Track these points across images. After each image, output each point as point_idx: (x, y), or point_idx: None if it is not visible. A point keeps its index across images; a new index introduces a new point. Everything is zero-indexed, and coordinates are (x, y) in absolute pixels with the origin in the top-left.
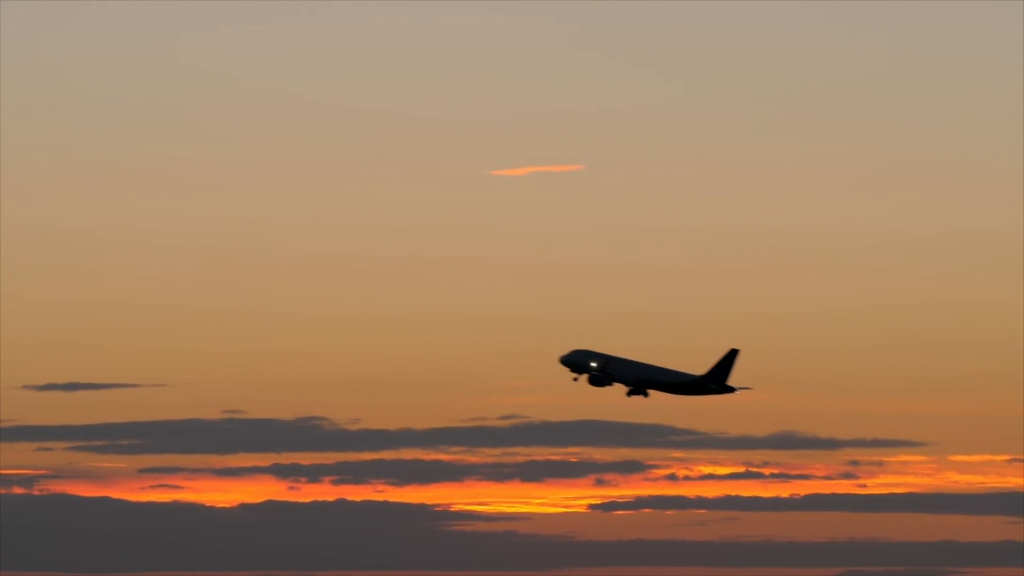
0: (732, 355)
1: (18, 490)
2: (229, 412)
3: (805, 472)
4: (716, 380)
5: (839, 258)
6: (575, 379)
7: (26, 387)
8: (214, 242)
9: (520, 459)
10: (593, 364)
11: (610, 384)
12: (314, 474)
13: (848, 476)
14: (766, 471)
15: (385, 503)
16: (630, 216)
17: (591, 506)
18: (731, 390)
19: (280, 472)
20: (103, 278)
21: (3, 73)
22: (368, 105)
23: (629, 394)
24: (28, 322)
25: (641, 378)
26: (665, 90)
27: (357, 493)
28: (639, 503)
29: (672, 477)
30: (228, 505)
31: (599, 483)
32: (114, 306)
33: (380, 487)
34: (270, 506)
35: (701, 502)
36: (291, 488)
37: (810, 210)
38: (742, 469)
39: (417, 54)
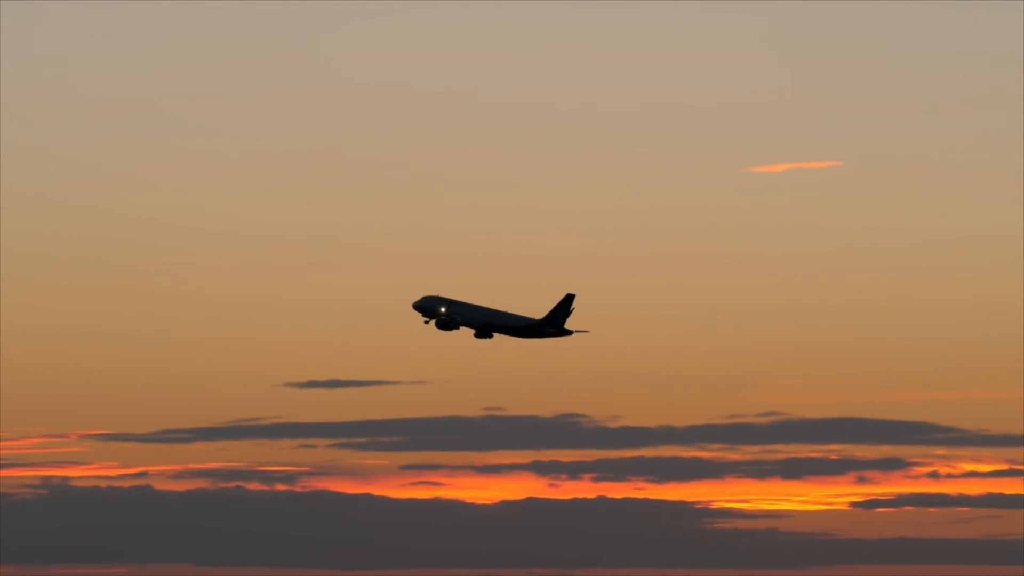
0: (568, 299)
1: (280, 487)
2: (490, 409)
3: None
4: (554, 324)
5: None
6: (425, 322)
7: (288, 385)
8: (473, 244)
9: (780, 456)
10: (442, 309)
11: (456, 328)
12: (574, 471)
13: None
14: None
15: (645, 500)
16: (888, 213)
17: (852, 503)
18: (568, 333)
19: (540, 469)
20: (364, 278)
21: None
22: (627, 105)
23: (476, 336)
24: (290, 321)
25: (485, 321)
26: (925, 89)
27: (617, 490)
28: (900, 501)
29: (934, 475)
30: (488, 502)
31: (860, 480)
32: (376, 305)
33: (640, 484)
34: (530, 503)
35: (963, 500)
36: (551, 485)
37: None
38: (1005, 467)
39: (669, 52)
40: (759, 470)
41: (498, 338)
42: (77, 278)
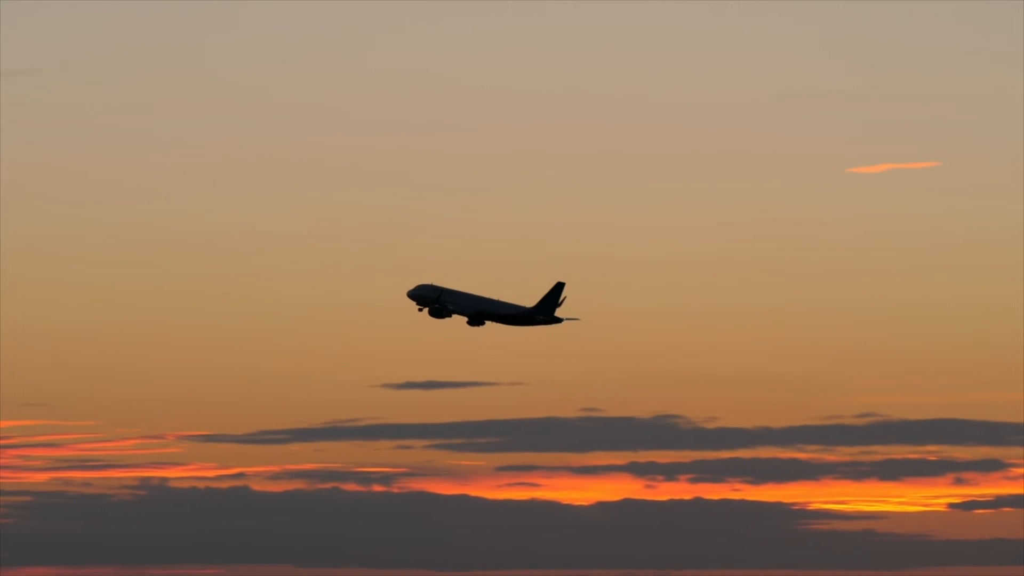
0: (559, 288)
1: (377, 488)
2: (586, 410)
3: None
4: (544, 312)
5: None
6: (420, 310)
7: (385, 385)
8: (569, 244)
9: (878, 458)
10: (436, 298)
11: (449, 316)
12: (671, 472)
13: None
14: None
15: (741, 502)
16: (987, 212)
17: (950, 505)
18: (558, 321)
19: (637, 470)
20: (464, 280)
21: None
22: (729, 102)
23: (469, 323)
24: (388, 322)
25: (477, 310)
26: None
27: (713, 491)
28: (999, 502)
29: None
30: (585, 503)
31: (958, 482)
32: None
33: (737, 485)
34: (627, 504)
35: None
36: (648, 486)
37: None
38: None
39: (771, 50)
40: (856, 471)
41: (491, 327)
42: (175, 282)
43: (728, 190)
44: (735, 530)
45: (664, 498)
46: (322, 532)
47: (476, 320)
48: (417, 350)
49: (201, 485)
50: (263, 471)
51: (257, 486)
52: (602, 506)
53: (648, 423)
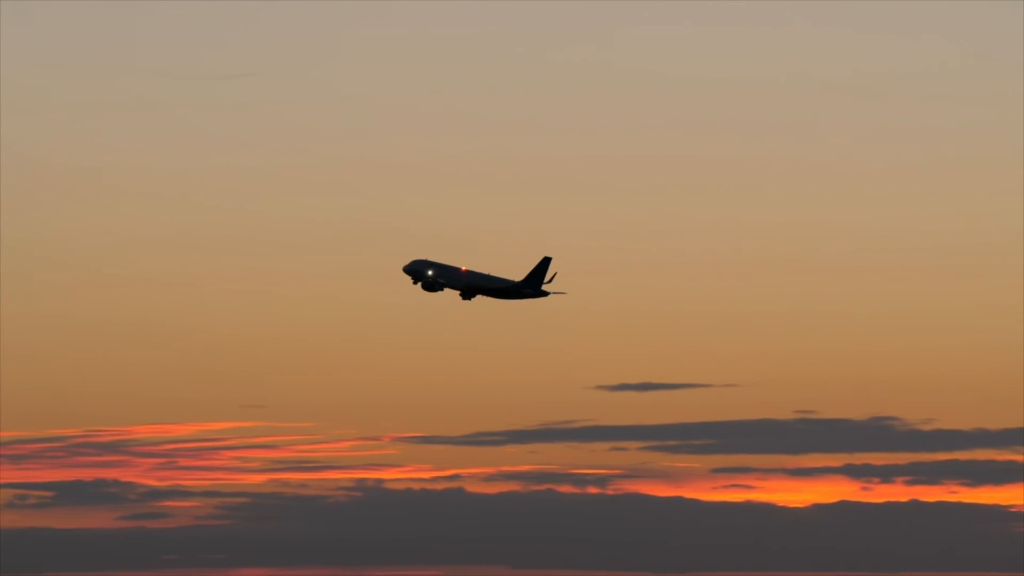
0: (545, 262)
1: (592, 490)
2: (801, 412)
3: None
4: (531, 286)
5: None
6: (414, 283)
7: (599, 387)
8: (782, 244)
9: None
10: (429, 272)
11: (441, 289)
12: (886, 474)
13: None
14: None
15: (959, 504)
16: None
17: None
18: (544, 294)
19: (852, 472)
20: (678, 282)
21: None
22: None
23: (462, 297)
24: (602, 324)
25: (467, 284)
26: None
27: (930, 494)
28: None
29: None
30: (800, 505)
31: None
32: (685, 307)
33: (954, 488)
34: (842, 506)
35: None
36: (863, 488)
37: None
38: None
39: None
40: None
41: (480, 300)
42: (389, 289)
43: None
44: (952, 532)
45: (880, 500)
46: (536, 534)
47: (467, 294)
48: (631, 352)
49: (416, 487)
50: (478, 473)
51: (472, 488)
52: (817, 508)
53: (864, 425)
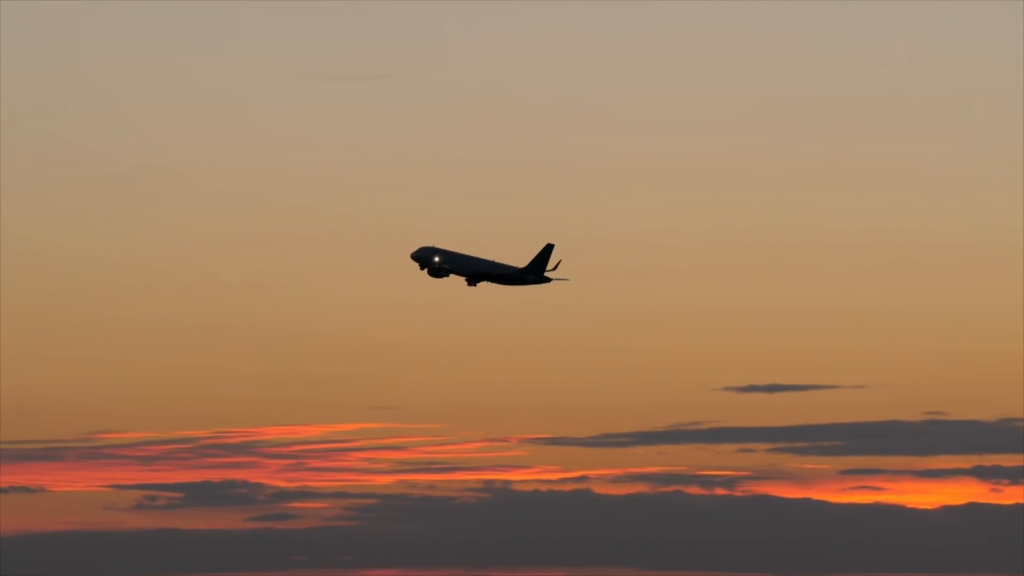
0: (548, 249)
1: (720, 491)
2: (930, 413)
3: None
4: (534, 272)
5: None
6: (421, 269)
7: (727, 389)
8: (912, 242)
9: None
10: (436, 259)
11: (447, 276)
12: (1017, 476)
13: None
14: None
15: None
16: None
17: None
18: (547, 280)
19: (982, 474)
20: (803, 282)
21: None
22: None
23: (468, 284)
24: (731, 325)
25: (472, 270)
26: None
27: None
28: None
29: None
30: (929, 507)
31: None
32: (814, 308)
33: None
34: (972, 508)
35: None
36: (993, 490)
37: None
38: None
39: None
40: None
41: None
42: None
43: None
44: None
45: (1010, 502)
46: (664, 535)
47: (472, 280)
48: (759, 352)
49: (544, 488)
50: (606, 474)
51: (599, 489)
52: (946, 510)
53: (993, 426)
